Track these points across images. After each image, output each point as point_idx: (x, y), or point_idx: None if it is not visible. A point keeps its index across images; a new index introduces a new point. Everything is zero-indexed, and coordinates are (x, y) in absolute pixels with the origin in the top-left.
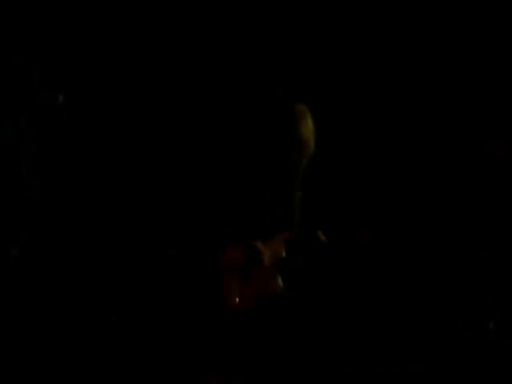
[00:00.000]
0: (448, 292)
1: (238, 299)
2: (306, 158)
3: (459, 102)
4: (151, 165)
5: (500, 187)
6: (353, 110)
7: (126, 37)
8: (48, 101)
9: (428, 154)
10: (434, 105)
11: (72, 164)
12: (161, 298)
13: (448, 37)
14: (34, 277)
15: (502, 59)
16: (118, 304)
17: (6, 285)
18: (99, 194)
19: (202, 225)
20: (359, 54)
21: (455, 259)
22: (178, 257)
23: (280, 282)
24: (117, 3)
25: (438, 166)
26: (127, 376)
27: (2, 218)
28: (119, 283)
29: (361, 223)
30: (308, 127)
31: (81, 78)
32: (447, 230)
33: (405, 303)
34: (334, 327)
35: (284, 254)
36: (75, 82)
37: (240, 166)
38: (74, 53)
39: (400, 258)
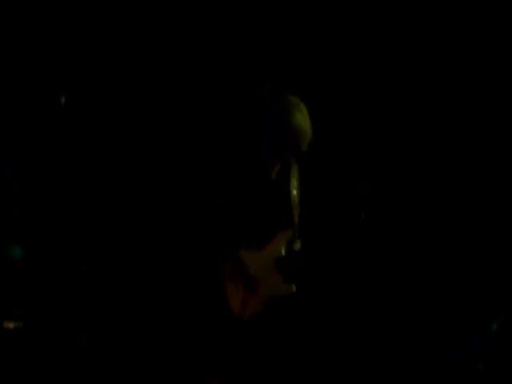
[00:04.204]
0: (448, 292)
1: (242, 306)
2: (303, 146)
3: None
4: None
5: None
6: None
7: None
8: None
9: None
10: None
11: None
12: (165, 304)
13: None
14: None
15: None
16: (122, 308)
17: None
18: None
19: (203, 230)
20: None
21: (455, 259)
22: (179, 264)
23: (282, 282)
24: (117, 4)
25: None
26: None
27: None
28: (124, 290)
29: (360, 225)
30: (302, 115)
31: (80, 81)
32: (448, 231)
33: (405, 304)
34: (333, 330)
35: (284, 252)
36: (76, 84)
37: (236, 161)
38: (75, 55)
39: (400, 258)
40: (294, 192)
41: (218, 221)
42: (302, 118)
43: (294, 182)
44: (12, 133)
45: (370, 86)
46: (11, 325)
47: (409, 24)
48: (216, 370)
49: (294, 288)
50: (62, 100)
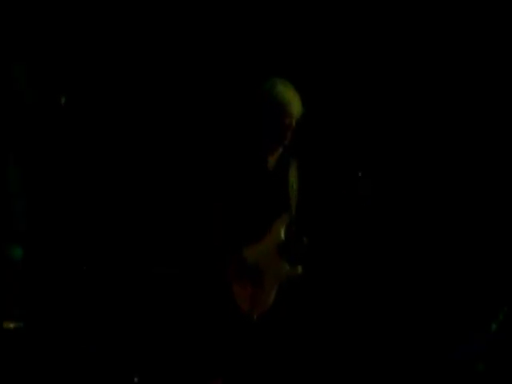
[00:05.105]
0: (448, 291)
1: (250, 303)
2: (291, 118)
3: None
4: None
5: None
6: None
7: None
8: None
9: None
10: None
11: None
12: (167, 305)
13: None
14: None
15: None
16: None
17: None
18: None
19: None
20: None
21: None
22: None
23: (287, 266)
24: (117, 4)
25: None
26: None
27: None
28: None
29: (359, 220)
30: (287, 90)
31: (80, 81)
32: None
33: (405, 304)
34: (334, 331)
35: (283, 236)
36: (76, 84)
37: (235, 156)
38: (76, 55)
39: (400, 258)
40: (293, 183)
41: (217, 221)
42: (287, 91)
43: (293, 174)
44: (13, 133)
45: (371, 87)
46: (11, 325)
47: (409, 22)
48: (223, 369)
49: (299, 270)
50: (63, 100)
